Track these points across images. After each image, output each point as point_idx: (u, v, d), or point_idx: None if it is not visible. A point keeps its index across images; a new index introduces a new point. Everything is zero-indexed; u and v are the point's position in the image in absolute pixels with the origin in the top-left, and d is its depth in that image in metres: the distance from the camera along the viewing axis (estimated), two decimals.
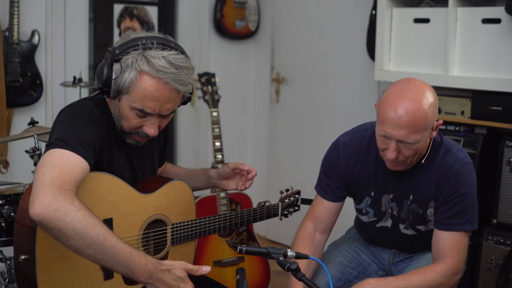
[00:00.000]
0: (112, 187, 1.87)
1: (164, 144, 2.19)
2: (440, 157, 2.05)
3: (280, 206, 2.39)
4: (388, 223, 2.19)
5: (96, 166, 1.83)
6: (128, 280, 1.93)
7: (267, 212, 2.34)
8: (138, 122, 1.85)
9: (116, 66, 1.79)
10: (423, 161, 2.06)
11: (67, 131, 1.76)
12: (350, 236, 2.47)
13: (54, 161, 1.69)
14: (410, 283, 1.99)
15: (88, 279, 1.85)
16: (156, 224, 2.03)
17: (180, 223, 2.06)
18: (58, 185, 1.63)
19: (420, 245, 2.25)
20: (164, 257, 2.04)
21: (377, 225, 2.22)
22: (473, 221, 2.07)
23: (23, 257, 1.78)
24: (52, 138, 1.76)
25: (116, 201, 1.88)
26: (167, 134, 2.20)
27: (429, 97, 1.91)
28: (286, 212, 2.43)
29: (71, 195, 1.64)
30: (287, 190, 2.44)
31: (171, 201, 2.03)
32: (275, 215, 2.38)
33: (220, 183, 2.20)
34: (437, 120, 1.96)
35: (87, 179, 1.77)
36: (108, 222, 1.86)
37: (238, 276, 1.71)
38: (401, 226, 2.18)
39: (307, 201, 2.43)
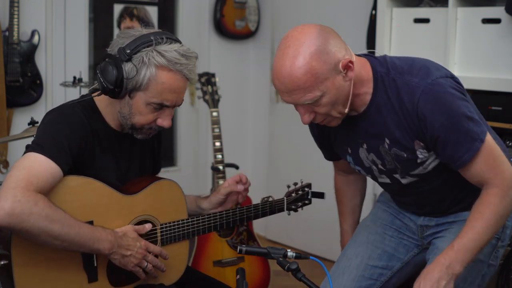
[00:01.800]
0: (93, 190, 1.86)
1: (158, 144, 2.18)
2: (394, 89, 1.80)
3: (285, 200, 2.29)
4: (384, 179, 1.98)
5: (78, 170, 1.84)
6: (114, 282, 1.93)
7: (270, 207, 2.25)
8: (153, 116, 1.88)
9: (128, 65, 1.80)
10: (370, 96, 1.84)
11: (45, 135, 1.79)
12: (376, 214, 2.23)
13: (24, 164, 1.72)
14: (476, 234, 1.75)
15: (72, 282, 1.84)
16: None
17: (169, 223, 2.02)
18: (22, 187, 1.66)
19: (437, 191, 1.96)
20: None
21: (380, 181, 2.02)
22: (480, 129, 1.75)
23: (2, 262, 1.77)
24: (32, 143, 1.79)
25: (97, 204, 1.87)
26: (160, 134, 2.18)
27: (310, 46, 1.69)
28: (294, 207, 2.32)
29: (34, 195, 1.67)
30: (295, 184, 2.34)
31: (159, 201, 2.00)
32: (280, 210, 2.28)
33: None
34: (344, 60, 1.75)
35: (66, 183, 1.79)
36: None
37: (238, 276, 1.70)
38: (397, 177, 1.94)
39: (318, 194, 2.34)
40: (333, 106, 1.77)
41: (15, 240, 1.74)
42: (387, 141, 1.86)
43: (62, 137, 1.79)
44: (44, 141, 1.77)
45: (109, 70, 1.81)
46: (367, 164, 1.97)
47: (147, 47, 1.80)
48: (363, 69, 1.83)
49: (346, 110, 1.79)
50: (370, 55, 1.91)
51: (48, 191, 1.73)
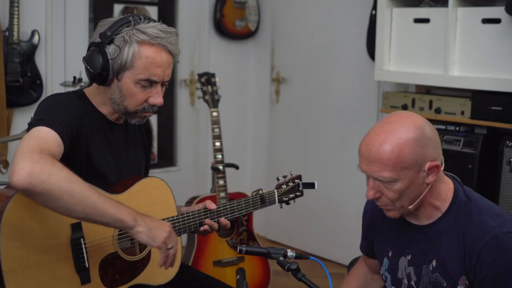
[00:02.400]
0: None
1: (148, 143, 2.18)
2: (467, 221, 1.76)
3: (276, 192, 2.27)
4: None
5: (74, 158, 1.83)
6: (108, 283, 1.91)
7: (261, 200, 2.21)
8: (144, 95, 1.90)
9: (111, 47, 1.84)
10: (440, 214, 1.80)
11: (45, 112, 1.80)
12: None
13: (31, 134, 1.72)
14: None
15: (64, 285, 1.81)
16: None
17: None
18: (37, 151, 1.65)
19: None
20: (147, 256, 2.00)
21: None
22: None
23: None
24: (32, 120, 1.80)
25: None
26: (151, 134, 2.20)
27: (410, 132, 1.69)
28: (286, 199, 2.29)
29: (50, 158, 1.66)
30: (284, 177, 2.32)
31: (146, 199, 1.98)
32: (272, 203, 2.25)
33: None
34: (432, 161, 1.71)
35: None
36: (77, 226, 1.82)
37: (238, 276, 1.70)
38: None
39: (309, 185, 2.32)
40: (400, 196, 1.73)
41: (4, 245, 1.70)
42: (434, 263, 1.80)
43: (63, 113, 1.81)
44: (45, 115, 1.77)
45: (94, 56, 1.85)
46: (400, 275, 1.89)
47: (127, 27, 1.85)
48: (446, 186, 1.81)
49: (410, 207, 1.76)
50: (457, 180, 1.87)
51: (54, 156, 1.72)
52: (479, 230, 1.73)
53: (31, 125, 1.77)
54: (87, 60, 1.86)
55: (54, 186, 1.62)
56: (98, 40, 1.87)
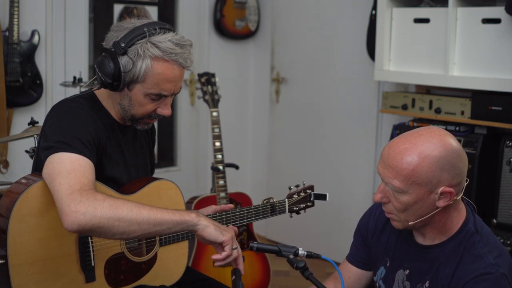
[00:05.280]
0: None
1: (152, 143, 2.19)
2: (467, 251, 1.73)
3: (287, 202, 2.26)
4: None
5: (97, 162, 1.84)
6: (112, 282, 1.92)
7: (271, 209, 2.21)
8: (152, 106, 1.90)
9: (124, 59, 1.82)
10: (445, 238, 1.77)
11: (65, 132, 1.77)
12: None
13: (66, 168, 1.70)
14: None
15: (68, 282, 1.83)
16: None
17: None
18: (77, 190, 1.66)
19: None
20: (153, 258, 2.01)
21: None
22: None
23: (0, 261, 1.76)
24: (52, 141, 1.76)
25: None
26: (155, 134, 2.21)
27: (435, 150, 1.64)
28: (296, 208, 2.28)
29: (92, 193, 1.68)
30: (297, 186, 2.31)
31: (156, 201, 1.97)
32: (282, 212, 2.25)
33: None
34: (447, 186, 1.66)
35: None
36: None
37: (233, 277, 1.71)
38: None
39: (321, 196, 2.31)
40: (406, 209, 1.70)
41: (11, 240, 1.73)
42: (427, 284, 1.78)
43: (82, 130, 1.80)
44: (67, 137, 1.75)
45: (106, 64, 1.82)
46: (395, 287, 1.87)
47: (141, 39, 1.82)
48: (459, 215, 1.76)
49: (411, 223, 1.73)
50: (471, 208, 1.83)
51: (94, 185, 1.73)
52: (476, 262, 1.70)
53: (55, 148, 1.73)
54: (99, 66, 1.84)
55: (101, 218, 1.65)
56: (111, 47, 1.84)
